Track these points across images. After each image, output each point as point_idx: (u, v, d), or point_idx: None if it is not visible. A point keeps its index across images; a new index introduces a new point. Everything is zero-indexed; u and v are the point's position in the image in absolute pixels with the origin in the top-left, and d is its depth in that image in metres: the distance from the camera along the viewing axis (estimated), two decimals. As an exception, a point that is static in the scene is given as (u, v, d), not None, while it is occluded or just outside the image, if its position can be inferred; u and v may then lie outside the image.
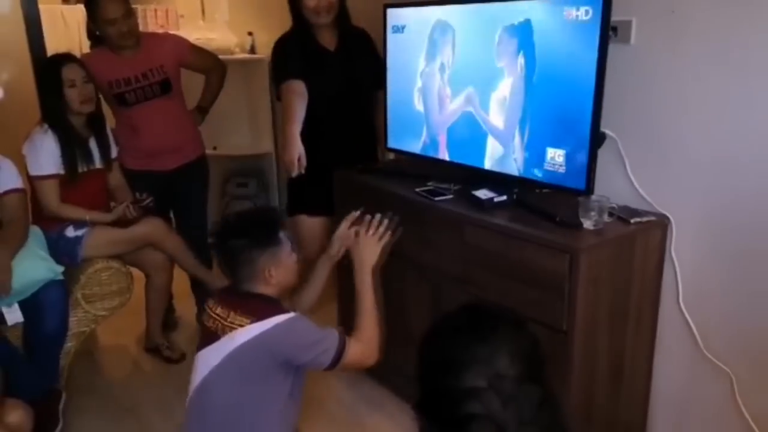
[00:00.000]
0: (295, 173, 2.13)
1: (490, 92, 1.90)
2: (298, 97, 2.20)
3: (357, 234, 1.80)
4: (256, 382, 1.52)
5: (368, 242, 1.77)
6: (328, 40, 2.30)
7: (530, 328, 0.90)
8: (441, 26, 2.03)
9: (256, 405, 1.53)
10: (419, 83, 2.16)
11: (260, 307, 1.54)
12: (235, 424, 1.53)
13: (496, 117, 1.91)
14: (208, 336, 1.57)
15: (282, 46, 2.32)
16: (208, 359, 1.54)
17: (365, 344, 1.64)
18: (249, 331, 1.49)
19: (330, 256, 1.88)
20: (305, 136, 2.17)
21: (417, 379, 0.89)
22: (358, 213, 1.87)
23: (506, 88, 1.85)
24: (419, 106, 2.19)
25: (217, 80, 2.71)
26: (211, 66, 2.70)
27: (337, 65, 2.29)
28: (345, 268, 2.40)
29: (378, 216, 1.80)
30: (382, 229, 1.79)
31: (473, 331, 0.86)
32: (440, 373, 0.85)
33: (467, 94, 1.98)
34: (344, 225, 1.87)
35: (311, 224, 2.42)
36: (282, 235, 1.62)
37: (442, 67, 2.05)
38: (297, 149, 2.11)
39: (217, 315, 1.57)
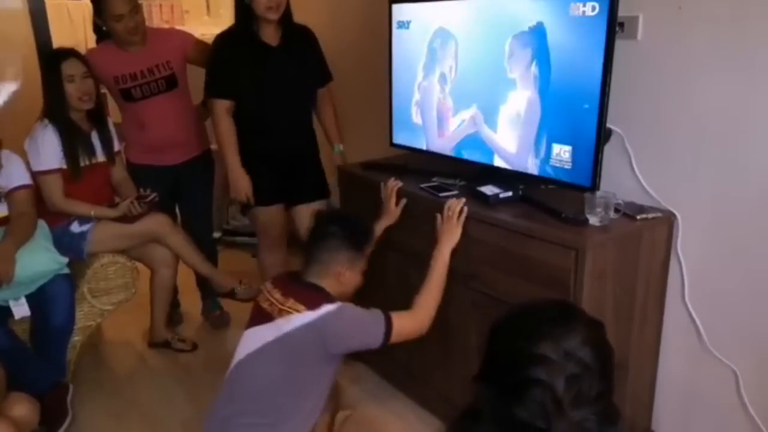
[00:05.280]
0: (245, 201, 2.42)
1: (500, 107, 1.89)
2: (228, 118, 2.35)
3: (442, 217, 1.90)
4: (303, 364, 1.61)
5: (451, 224, 1.83)
6: (271, 36, 2.31)
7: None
8: (442, 35, 2.03)
9: (300, 384, 1.62)
10: (417, 96, 2.17)
11: (315, 296, 1.63)
12: (276, 395, 1.60)
13: (506, 136, 1.90)
14: (263, 316, 1.66)
15: (220, 47, 2.34)
16: (263, 335, 1.62)
17: (415, 320, 1.74)
18: (304, 317, 1.57)
19: (384, 220, 2.05)
20: (249, 130, 2.37)
21: (487, 343, 0.92)
22: (399, 184, 2.04)
23: (520, 100, 1.83)
24: (417, 119, 2.20)
25: None
26: None
27: (279, 61, 2.32)
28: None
29: (458, 201, 1.85)
30: (458, 209, 1.84)
31: (557, 312, 0.91)
32: (514, 335, 0.89)
33: (472, 115, 1.98)
34: (392, 201, 2.03)
35: (269, 213, 2.53)
36: (368, 250, 1.78)
37: (443, 79, 2.05)
38: (245, 184, 2.38)
39: (275, 299, 1.65)
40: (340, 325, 1.60)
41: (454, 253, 1.82)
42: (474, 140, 2.02)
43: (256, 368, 1.62)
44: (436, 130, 2.15)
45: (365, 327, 1.65)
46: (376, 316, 1.66)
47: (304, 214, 2.50)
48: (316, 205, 2.52)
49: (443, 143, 2.13)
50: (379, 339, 1.64)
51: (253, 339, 1.64)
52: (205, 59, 2.58)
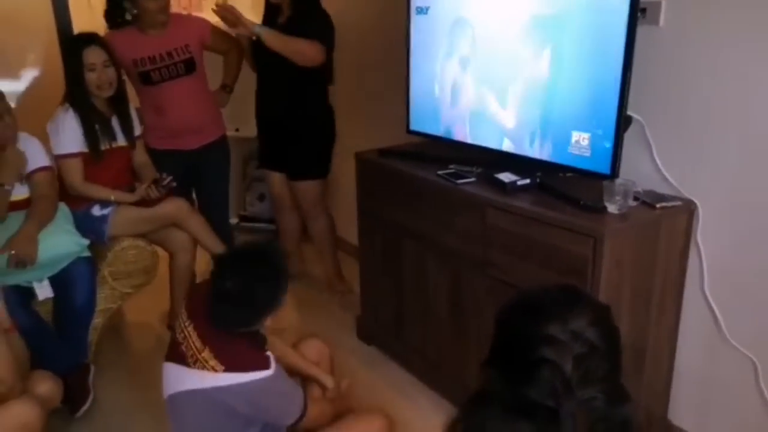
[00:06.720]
0: None
1: (509, 84, 1.89)
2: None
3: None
4: (222, 423, 1.47)
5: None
6: (282, 16, 2.51)
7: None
8: (460, 23, 2.02)
9: None
10: (438, 76, 2.16)
11: (239, 353, 1.44)
12: None
13: (517, 119, 1.90)
14: (178, 354, 1.48)
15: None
16: (182, 379, 1.47)
17: (323, 413, 1.65)
18: (217, 379, 1.40)
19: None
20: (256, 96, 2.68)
21: (495, 328, 0.92)
22: None
23: (531, 79, 1.82)
24: (438, 92, 2.20)
25: (235, 59, 2.73)
26: (230, 47, 2.72)
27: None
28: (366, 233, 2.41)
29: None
30: None
31: (564, 294, 0.91)
32: (522, 317, 0.90)
33: (480, 89, 1.99)
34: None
35: (269, 176, 2.85)
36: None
37: (461, 61, 2.05)
38: None
39: (192, 341, 1.45)
40: (257, 398, 1.45)
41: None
42: (484, 121, 2.01)
43: (183, 413, 1.50)
44: (449, 106, 2.14)
45: (282, 406, 1.51)
46: (298, 397, 1.53)
47: (296, 188, 2.76)
48: (303, 184, 2.70)
49: (455, 115, 2.12)
50: (289, 421, 1.52)
51: (174, 378, 1.49)
52: (220, 45, 2.65)
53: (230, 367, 1.41)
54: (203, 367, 1.42)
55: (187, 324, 1.49)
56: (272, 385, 1.46)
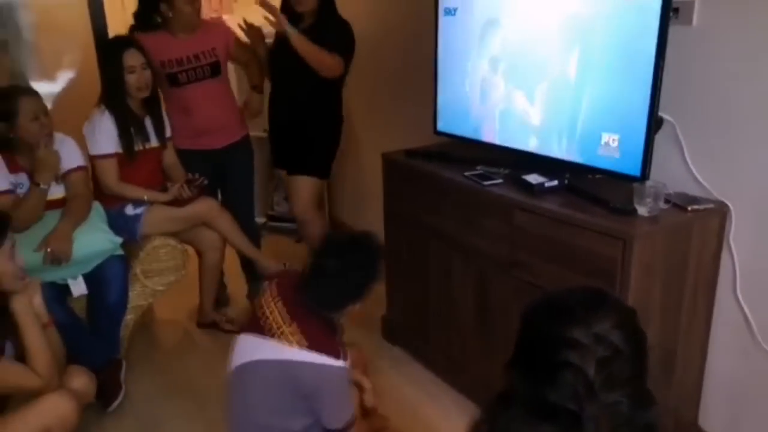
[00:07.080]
0: None
1: (539, 85, 1.88)
2: None
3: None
4: (287, 397, 1.54)
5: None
6: (305, 22, 2.53)
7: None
8: (491, 24, 2.02)
9: (286, 411, 1.56)
10: (468, 72, 2.16)
11: (320, 336, 1.52)
12: (268, 415, 1.57)
13: (542, 112, 1.89)
14: (257, 325, 1.57)
15: None
16: (255, 348, 1.55)
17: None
18: (295, 354, 1.49)
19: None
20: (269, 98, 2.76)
21: (519, 329, 0.92)
22: None
23: (561, 79, 1.81)
24: (467, 93, 2.20)
25: (256, 65, 2.74)
26: (250, 57, 2.74)
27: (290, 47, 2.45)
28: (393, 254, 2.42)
29: None
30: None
31: (588, 297, 0.91)
32: (546, 320, 0.90)
33: (510, 89, 1.98)
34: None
35: (282, 174, 2.92)
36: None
37: (493, 62, 2.04)
38: None
39: (277, 316, 1.55)
40: (325, 386, 1.52)
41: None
42: (514, 121, 2.00)
43: (251, 382, 1.57)
44: (478, 106, 2.13)
45: (339, 405, 1.57)
46: (350, 407, 1.59)
47: (292, 184, 2.75)
48: (299, 180, 2.69)
49: (483, 115, 2.11)
50: (336, 424, 1.56)
51: (252, 346, 1.57)
52: (241, 56, 2.71)
53: (310, 345, 1.49)
54: (284, 341, 1.51)
55: (274, 300, 1.59)
56: (338, 378, 1.53)
